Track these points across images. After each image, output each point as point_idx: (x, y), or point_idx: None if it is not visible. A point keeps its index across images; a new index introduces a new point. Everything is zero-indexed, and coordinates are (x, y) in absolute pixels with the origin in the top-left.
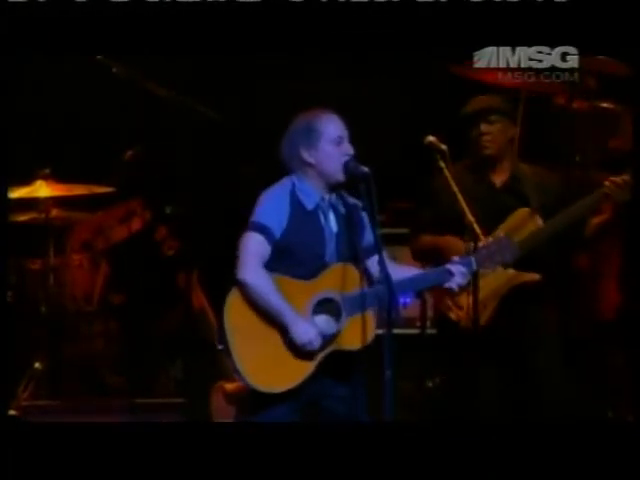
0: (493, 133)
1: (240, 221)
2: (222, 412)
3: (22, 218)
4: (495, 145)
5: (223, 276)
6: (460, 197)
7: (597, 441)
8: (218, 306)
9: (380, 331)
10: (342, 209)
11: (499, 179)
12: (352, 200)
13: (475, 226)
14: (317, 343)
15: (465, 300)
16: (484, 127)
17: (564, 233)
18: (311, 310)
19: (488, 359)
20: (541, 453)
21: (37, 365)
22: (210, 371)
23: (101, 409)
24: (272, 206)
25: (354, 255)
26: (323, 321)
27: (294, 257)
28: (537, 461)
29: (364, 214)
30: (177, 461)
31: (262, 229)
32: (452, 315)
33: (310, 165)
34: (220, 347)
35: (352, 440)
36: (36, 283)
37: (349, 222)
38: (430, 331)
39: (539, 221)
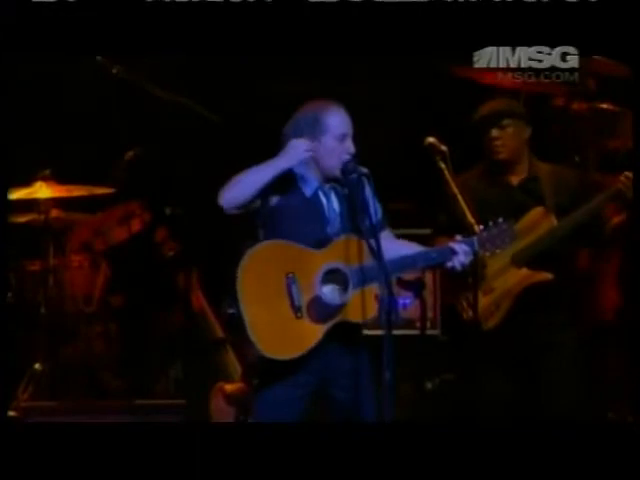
0: (504, 137)
1: (239, 221)
2: (222, 413)
3: (22, 219)
4: (507, 149)
5: (223, 277)
6: (460, 198)
7: (597, 442)
8: (218, 306)
9: (380, 332)
10: (343, 190)
11: (516, 179)
12: (353, 178)
13: (475, 227)
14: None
15: (480, 301)
16: (495, 132)
17: (583, 232)
18: (320, 279)
19: (500, 358)
20: (541, 453)
21: (37, 366)
22: (210, 372)
23: (101, 410)
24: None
25: (360, 232)
26: (330, 291)
27: (298, 235)
28: (537, 461)
29: (366, 192)
30: (177, 461)
31: None
32: (465, 316)
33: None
34: (231, 312)
35: (351, 440)
36: (36, 284)
37: (351, 202)
38: (430, 332)
39: (553, 220)
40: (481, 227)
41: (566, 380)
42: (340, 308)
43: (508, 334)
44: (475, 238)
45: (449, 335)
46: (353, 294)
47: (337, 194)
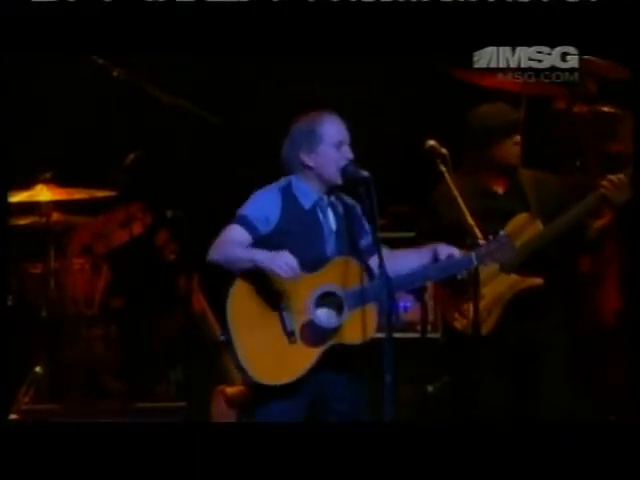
0: (498, 148)
1: None
2: (223, 416)
3: (23, 222)
4: (502, 152)
5: (224, 280)
6: (460, 201)
7: (599, 444)
8: (219, 309)
9: (380, 335)
10: (341, 209)
11: (501, 186)
12: (350, 200)
13: (476, 230)
14: (296, 267)
15: (469, 308)
16: (519, 137)
17: (567, 237)
18: (314, 302)
19: (495, 365)
20: (542, 455)
21: (38, 369)
22: (211, 375)
23: (101, 413)
24: (259, 203)
25: (355, 252)
26: (325, 314)
27: (293, 253)
28: (538, 463)
29: (362, 215)
30: (177, 462)
31: (244, 222)
32: (457, 324)
33: (309, 168)
34: (222, 338)
35: (351, 441)
36: (37, 287)
37: (348, 221)
38: (431, 335)
39: (539, 225)
40: (480, 242)
41: (561, 384)
42: (334, 331)
43: (502, 340)
44: (473, 254)
45: (447, 340)
46: (350, 316)
47: (334, 212)
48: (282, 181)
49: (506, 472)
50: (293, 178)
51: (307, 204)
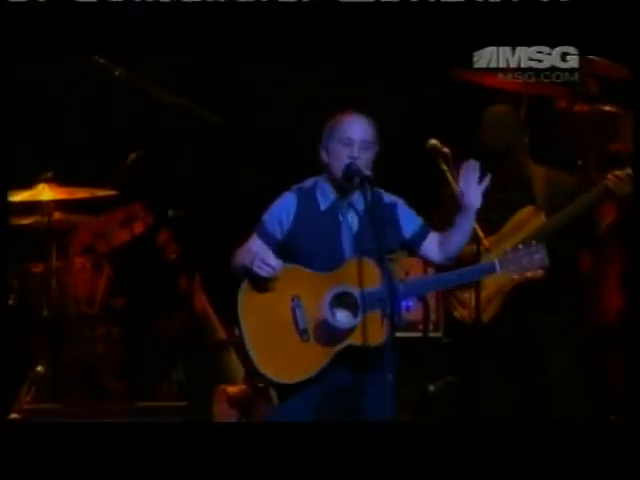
0: (511, 160)
1: (242, 223)
2: (224, 415)
3: (24, 221)
4: (515, 161)
5: (225, 279)
6: None
7: (599, 444)
8: (220, 309)
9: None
10: (362, 211)
11: (510, 180)
12: (388, 199)
13: (477, 229)
14: (275, 265)
15: (469, 298)
16: (527, 139)
17: (575, 231)
18: (329, 302)
19: (495, 360)
20: (543, 455)
21: (39, 368)
22: (212, 374)
23: (103, 412)
24: (274, 208)
25: (377, 254)
26: (340, 314)
27: (309, 253)
28: (539, 463)
29: (402, 209)
30: (177, 461)
31: (260, 229)
32: (456, 314)
33: (325, 165)
34: (237, 333)
35: (353, 441)
36: (38, 286)
37: (372, 222)
38: (433, 334)
39: (543, 218)
40: (508, 248)
41: (560, 379)
42: (348, 332)
43: (502, 331)
44: (497, 260)
45: (450, 336)
46: (365, 317)
47: (357, 214)
48: (308, 182)
49: (506, 471)
50: (319, 178)
51: (324, 205)
